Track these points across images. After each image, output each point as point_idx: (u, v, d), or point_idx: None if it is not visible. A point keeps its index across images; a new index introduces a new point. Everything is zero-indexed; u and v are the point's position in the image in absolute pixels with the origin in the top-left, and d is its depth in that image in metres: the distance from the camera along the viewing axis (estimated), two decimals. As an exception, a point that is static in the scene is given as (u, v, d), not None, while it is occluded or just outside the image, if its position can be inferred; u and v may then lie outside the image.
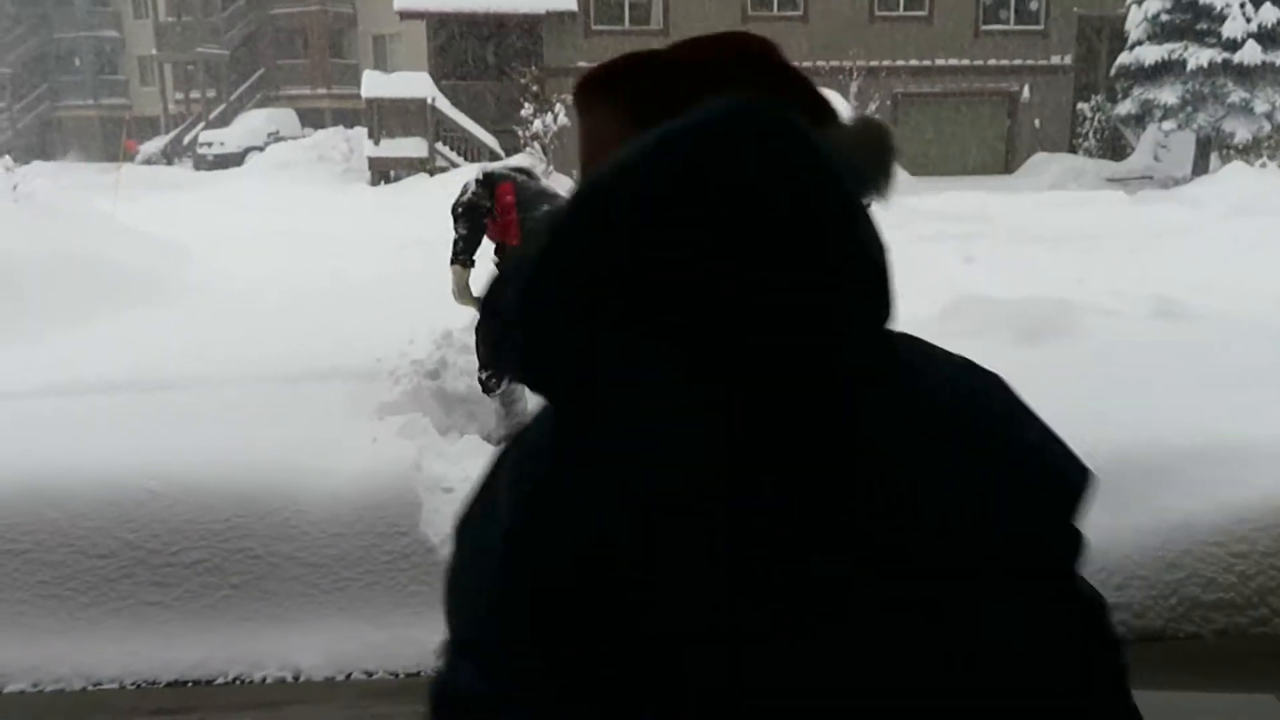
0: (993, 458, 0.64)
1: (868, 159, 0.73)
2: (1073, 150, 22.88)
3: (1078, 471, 0.67)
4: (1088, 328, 4.82)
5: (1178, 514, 2.98)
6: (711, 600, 0.53)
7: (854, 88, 20.99)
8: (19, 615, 2.81)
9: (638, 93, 0.74)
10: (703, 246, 0.57)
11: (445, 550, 2.72)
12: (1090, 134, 22.79)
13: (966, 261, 9.25)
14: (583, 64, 21.66)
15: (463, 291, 4.00)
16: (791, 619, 0.53)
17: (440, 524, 3.02)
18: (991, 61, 22.82)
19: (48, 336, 5.05)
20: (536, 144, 19.08)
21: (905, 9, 22.65)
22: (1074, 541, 0.66)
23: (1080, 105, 23.09)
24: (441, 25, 21.49)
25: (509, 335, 0.60)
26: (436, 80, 20.54)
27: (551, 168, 19.14)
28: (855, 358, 0.63)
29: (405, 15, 21.13)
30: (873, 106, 20.74)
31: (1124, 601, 2.87)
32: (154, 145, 35.05)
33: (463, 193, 3.94)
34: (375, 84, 19.67)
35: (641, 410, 0.56)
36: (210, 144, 30.73)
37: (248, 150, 28.30)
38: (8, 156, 8.08)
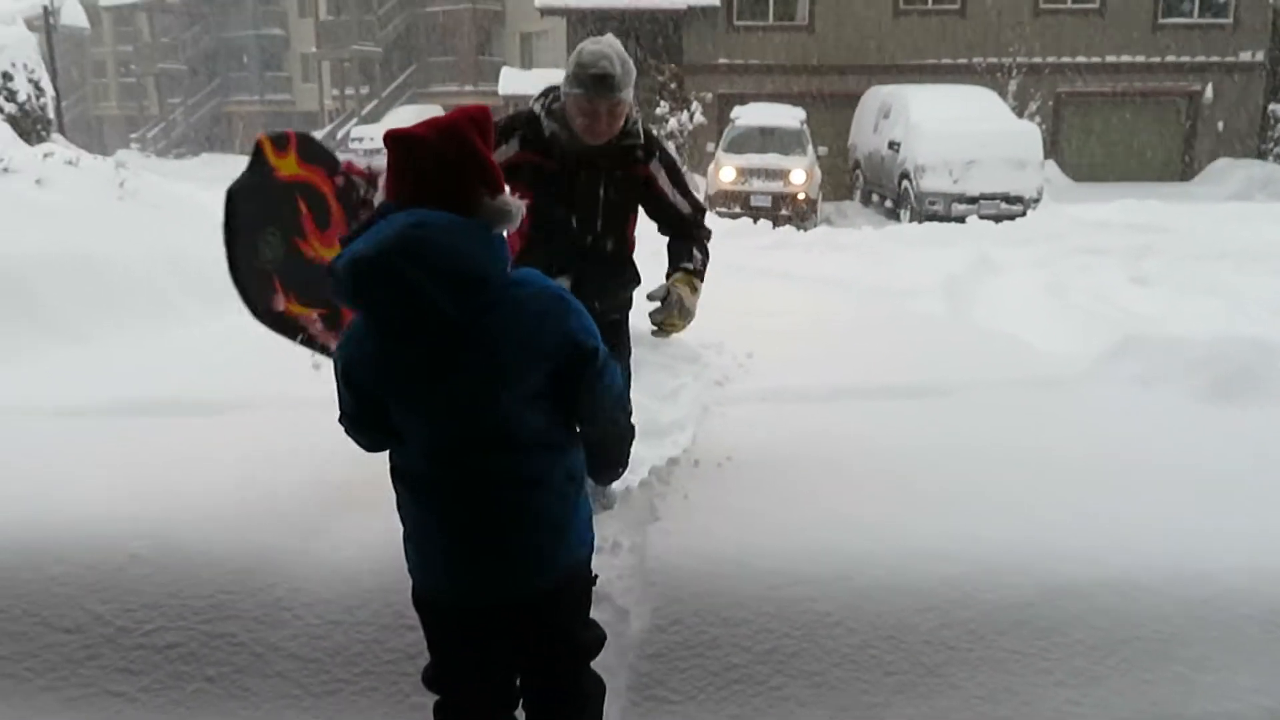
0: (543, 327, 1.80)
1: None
2: (1261, 156, 20.69)
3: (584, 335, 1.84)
4: (1298, 383, 3.88)
5: None
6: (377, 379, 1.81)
7: (1012, 86, 19.57)
8: (-31, 697, 2.42)
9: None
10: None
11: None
12: (1283, 138, 20.59)
13: (1135, 283, 8.16)
14: (723, 60, 20.99)
15: None
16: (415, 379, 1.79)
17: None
18: (1170, 58, 20.85)
19: (116, 343, 4.81)
20: (670, 142, 18.52)
21: (1074, 1, 20.94)
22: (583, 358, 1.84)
23: (1273, 106, 20.87)
24: (582, 22, 21.22)
25: None
26: (574, 77, 20.26)
27: (686, 166, 18.58)
28: (454, 315, 1.73)
29: (546, 12, 20.98)
30: (1033, 107, 19.26)
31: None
32: (310, 140, 36.44)
33: None
34: (512, 81, 19.66)
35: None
36: (361, 139, 31.57)
37: (395, 145, 28.84)
38: (120, 152, 8.04)
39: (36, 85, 17.75)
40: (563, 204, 2.87)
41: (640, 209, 3.07)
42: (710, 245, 3.13)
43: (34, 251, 5.17)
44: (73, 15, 25.86)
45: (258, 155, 2.53)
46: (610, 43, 2.77)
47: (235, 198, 2.52)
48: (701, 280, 3.07)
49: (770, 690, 2.29)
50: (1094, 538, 2.58)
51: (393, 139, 1.79)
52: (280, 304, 2.60)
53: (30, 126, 16.64)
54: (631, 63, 2.81)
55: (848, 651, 2.32)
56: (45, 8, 24.65)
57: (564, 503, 1.90)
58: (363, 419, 1.87)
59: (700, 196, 3.17)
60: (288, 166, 2.56)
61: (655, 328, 3.03)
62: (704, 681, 2.31)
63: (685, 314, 3.00)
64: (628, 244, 3.06)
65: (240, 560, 2.56)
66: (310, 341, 2.67)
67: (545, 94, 2.94)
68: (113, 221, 6.24)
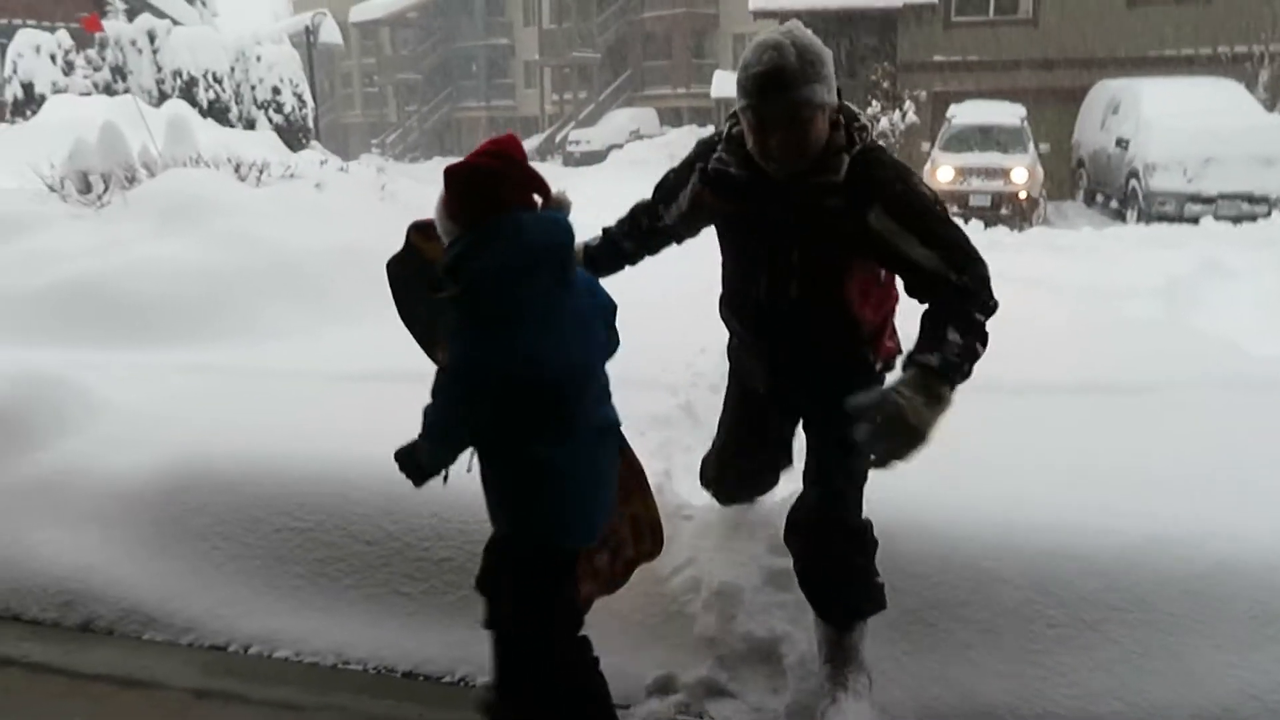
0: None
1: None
2: None
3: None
4: None
5: None
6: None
7: (1263, 77, 18.11)
8: (296, 589, 3.12)
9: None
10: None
11: (677, 578, 2.58)
12: None
13: (1384, 290, 7.61)
14: (939, 58, 20.63)
15: None
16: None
17: (675, 553, 2.93)
18: None
19: (387, 324, 5.61)
20: (881, 142, 18.42)
21: (1340, -19, 19.09)
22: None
23: None
24: (794, 23, 21.41)
25: None
26: (785, 78, 20.51)
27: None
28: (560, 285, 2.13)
29: (759, 15, 21.29)
30: (1285, 98, 17.75)
31: None
32: (531, 143, 38.48)
33: None
34: (723, 83, 20.17)
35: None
36: (578, 142, 33.10)
37: (610, 148, 29.97)
38: (364, 156, 9.06)
39: (299, 98, 19.85)
40: (745, 256, 2.22)
41: (878, 269, 2.26)
42: (991, 302, 2.22)
43: (319, 245, 6.10)
44: (330, 33, 28.61)
45: (408, 241, 2.74)
46: (787, 30, 2.12)
47: (390, 269, 2.82)
48: (949, 384, 2.08)
49: (939, 631, 2.61)
50: (1269, 523, 2.72)
51: (455, 169, 2.07)
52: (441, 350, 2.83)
53: (293, 135, 18.70)
54: (820, 50, 2.09)
55: (1012, 605, 2.60)
56: (306, 28, 27.43)
57: None
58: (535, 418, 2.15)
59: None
60: (433, 250, 2.66)
61: (871, 456, 2.06)
62: (880, 621, 2.65)
63: (909, 438, 2.02)
64: (849, 316, 2.27)
65: (496, 496, 3.13)
66: None
67: (734, 115, 2.29)
68: (376, 219, 7.16)
